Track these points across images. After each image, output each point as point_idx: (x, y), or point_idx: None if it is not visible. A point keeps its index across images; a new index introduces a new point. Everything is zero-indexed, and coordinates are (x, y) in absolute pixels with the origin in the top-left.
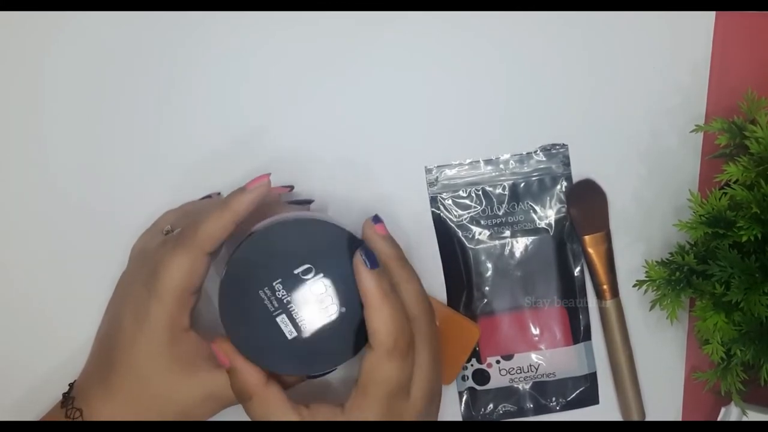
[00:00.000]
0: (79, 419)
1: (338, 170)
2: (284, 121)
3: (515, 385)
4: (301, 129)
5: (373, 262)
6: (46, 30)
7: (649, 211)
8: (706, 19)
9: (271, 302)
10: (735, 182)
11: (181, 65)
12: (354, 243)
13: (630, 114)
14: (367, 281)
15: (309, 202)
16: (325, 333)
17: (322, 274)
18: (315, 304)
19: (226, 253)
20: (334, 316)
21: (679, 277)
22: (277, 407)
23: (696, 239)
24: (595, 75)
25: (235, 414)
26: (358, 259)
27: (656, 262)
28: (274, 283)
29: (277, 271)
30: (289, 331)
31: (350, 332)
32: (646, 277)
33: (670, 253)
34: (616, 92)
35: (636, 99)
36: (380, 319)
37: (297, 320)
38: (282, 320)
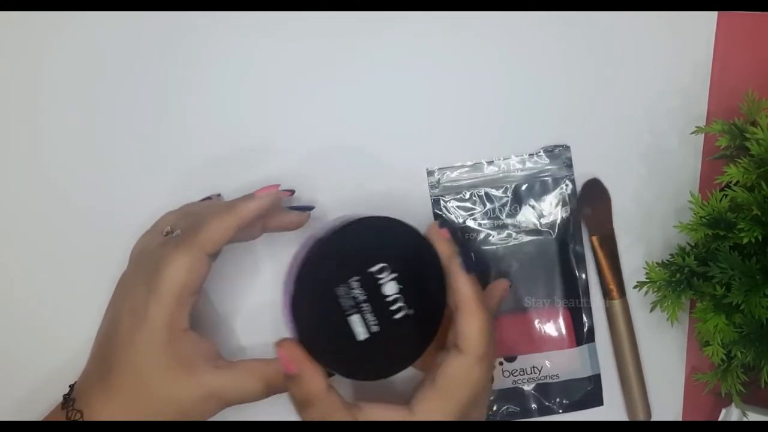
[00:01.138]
0: (80, 421)
1: (338, 172)
2: (284, 122)
3: (519, 387)
4: (301, 130)
5: (471, 267)
6: (45, 30)
7: (649, 213)
8: (708, 19)
9: (346, 301)
10: (735, 184)
11: (181, 65)
12: (423, 244)
13: (631, 115)
14: (466, 287)
15: (310, 208)
16: (391, 336)
17: (395, 274)
18: (386, 305)
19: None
20: (402, 319)
21: (680, 279)
22: (336, 412)
23: (696, 241)
24: (596, 75)
25: (236, 414)
26: (457, 263)
27: (657, 263)
28: (350, 281)
29: (354, 268)
30: (359, 333)
31: (415, 337)
32: (646, 278)
33: (671, 255)
34: (617, 93)
35: (637, 100)
36: (475, 325)
37: (368, 321)
38: (353, 320)
